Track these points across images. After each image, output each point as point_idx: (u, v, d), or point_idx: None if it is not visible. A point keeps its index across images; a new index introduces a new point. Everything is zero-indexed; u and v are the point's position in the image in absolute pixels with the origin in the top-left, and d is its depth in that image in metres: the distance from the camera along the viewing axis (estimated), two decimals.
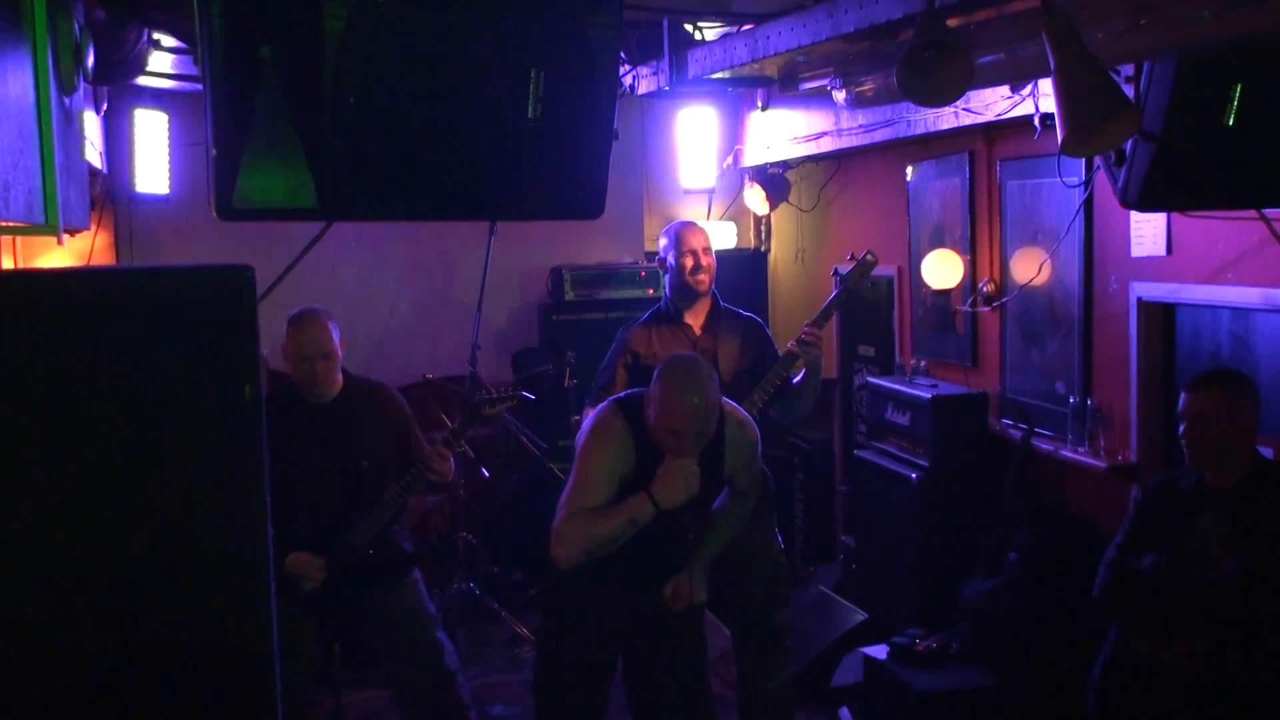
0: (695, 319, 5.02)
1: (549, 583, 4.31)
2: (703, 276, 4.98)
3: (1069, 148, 3.19)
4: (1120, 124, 3.11)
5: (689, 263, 4.96)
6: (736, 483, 4.22)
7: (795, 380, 4.86)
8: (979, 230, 6.13)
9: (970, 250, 6.15)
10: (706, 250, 5.02)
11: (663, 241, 5.10)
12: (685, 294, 5.00)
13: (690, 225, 5.15)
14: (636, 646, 4.24)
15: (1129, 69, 3.49)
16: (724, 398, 4.08)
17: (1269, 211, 3.90)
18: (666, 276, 5.11)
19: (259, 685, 2.14)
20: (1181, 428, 3.92)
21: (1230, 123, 3.33)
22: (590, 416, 4.09)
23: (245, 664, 2.12)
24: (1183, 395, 3.93)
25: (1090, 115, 3.04)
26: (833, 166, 7.66)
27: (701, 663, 4.32)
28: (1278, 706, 3.76)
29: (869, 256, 4.87)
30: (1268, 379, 4.44)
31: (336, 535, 4.61)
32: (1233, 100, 3.29)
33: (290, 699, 4.54)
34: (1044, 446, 5.50)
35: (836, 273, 4.99)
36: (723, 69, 5.26)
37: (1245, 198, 3.70)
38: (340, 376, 4.70)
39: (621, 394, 4.17)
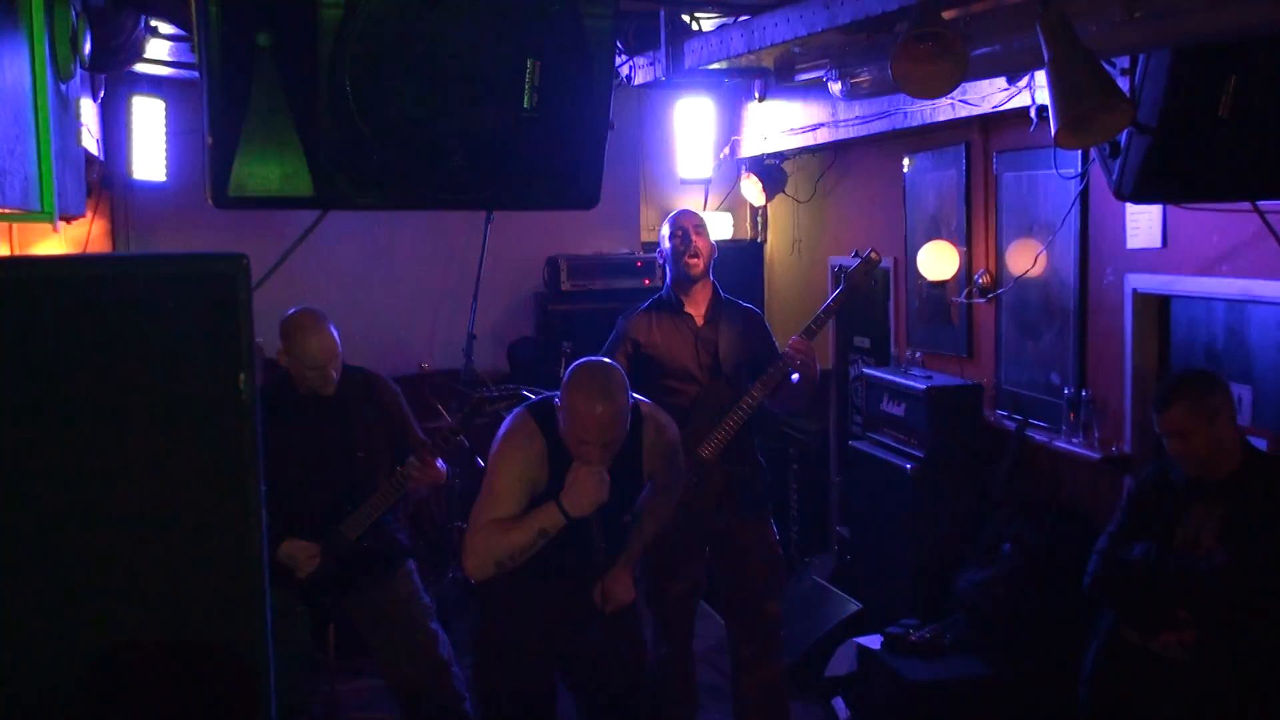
0: (697, 309, 5.02)
1: (478, 607, 4.17)
2: (694, 259, 4.95)
3: (1063, 140, 3.20)
4: (1114, 116, 3.12)
5: (679, 242, 4.97)
6: (657, 479, 4.13)
7: (795, 379, 4.85)
8: (975, 222, 6.14)
9: (966, 242, 6.15)
10: (698, 229, 5.01)
11: (662, 232, 5.12)
12: (682, 280, 5.00)
13: (683, 210, 5.18)
14: (569, 655, 4.11)
15: (1124, 61, 3.49)
16: (641, 398, 4.01)
17: (1263, 203, 3.91)
18: (665, 266, 5.12)
19: (252, 675, 2.14)
20: (1166, 444, 3.93)
21: (1225, 115, 3.33)
22: (504, 423, 3.96)
23: (239, 654, 2.13)
24: (1154, 415, 3.93)
25: (1084, 107, 3.05)
26: (829, 158, 7.66)
27: (639, 663, 4.25)
28: (1268, 696, 3.78)
29: (873, 254, 4.86)
30: (1261, 371, 4.45)
31: (331, 525, 4.61)
32: (1227, 92, 3.29)
33: (284, 688, 4.57)
34: (1038, 438, 5.52)
35: (839, 269, 4.99)
36: (719, 60, 5.26)
37: (1239, 190, 3.70)
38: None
39: (534, 399, 4.05)
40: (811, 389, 4.89)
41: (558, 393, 3.84)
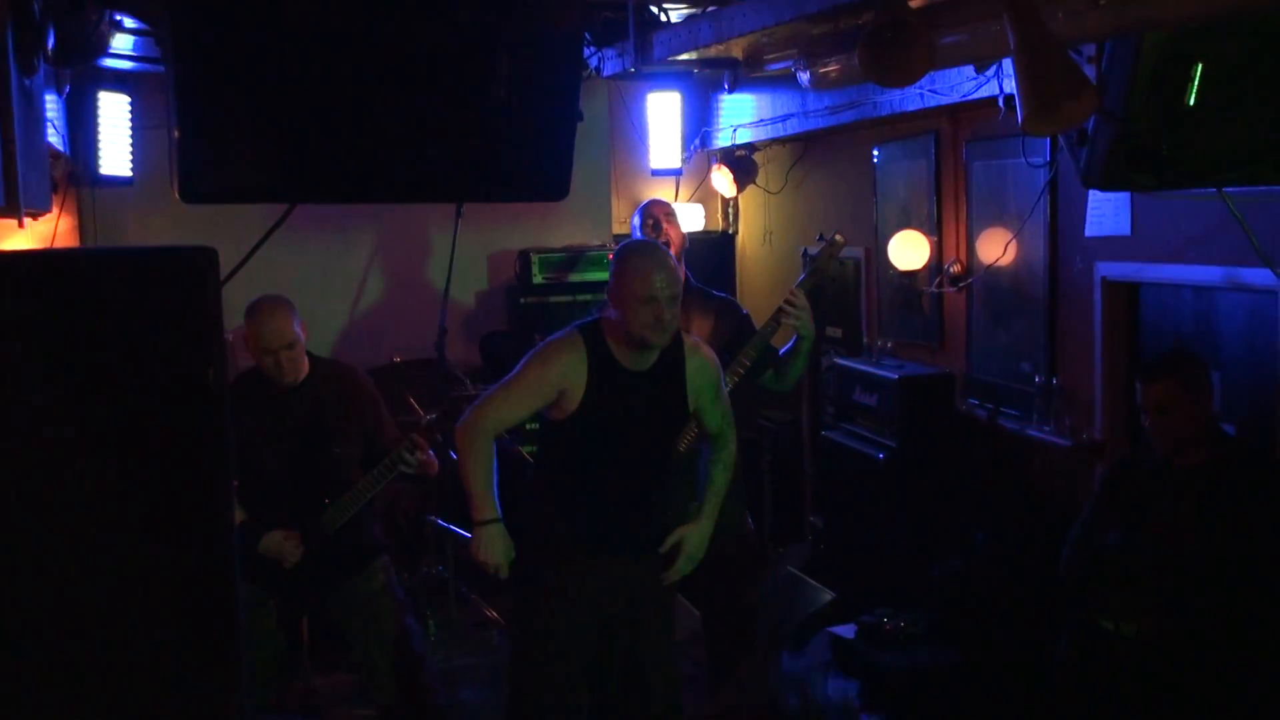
0: None
1: (520, 571, 4.25)
2: (662, 243, 4.94)
3: (1030, 127, 3.21)
4: (1080, 103, 3.13)
5: (650, 231, 4.97)
6: (706, 420, 4.20)
7: (782, 351, 4.85)
8: (945, 211, 6.15)
9: (936, 231, 6.17)
10: (668, 217, 5.01)
11: (633, 221, 5.11)
12: None
13: (653, 199, 5.20)
14: (612, 625, 4.17)
15: (1090, 49, 3.50)
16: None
17: (1230, 190, 3.93)
18: None
19: (225, 669, 2.13)
20: (1144, 420, 3.95)
21: (1191, 102, 3.35)
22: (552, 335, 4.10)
23: (211, 649, 2.12)
24: (1138, 386, 3.97)
25: (1051, 95, 3.06)
26: (799, 148, 7.67)
27: (671, 647, 4.30)
28: (1239, 681, 3.81)
29: (837, 237, 4.87)
30: (1228, 357, 4.48)
31: (306, 519, 4.60)
32: (1193, 80, 3.31)
33: (259, 684, 4.55)
34: (1010, 426, 5.54)
35: (805, 254, 4.99)
36: (688, 50, 5.26)
37: (1206, 177, 3.71)
38: (306, 361, 4.68)
39: (584, 319, 4.16)
40: (806, 354, 4.85)
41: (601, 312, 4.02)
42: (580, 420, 3.96)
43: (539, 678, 4.10)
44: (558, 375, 3.94)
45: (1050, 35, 3.09)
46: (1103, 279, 5.00)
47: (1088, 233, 4.99)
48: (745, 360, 4.76)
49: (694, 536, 4.15)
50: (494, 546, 3.95)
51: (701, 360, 4.14)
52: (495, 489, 3.98)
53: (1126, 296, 5.00)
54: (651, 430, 4.04)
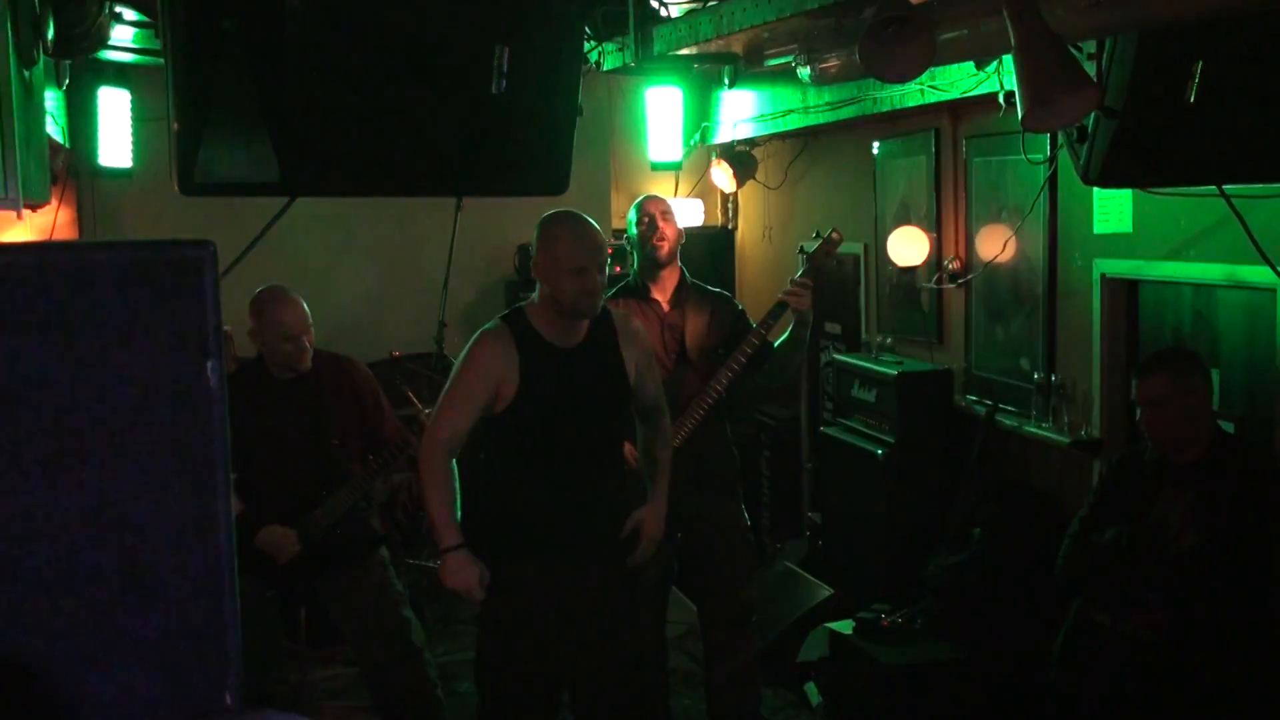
0: (662, 293, 5.00)
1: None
2: (659, 242, 4.94)
3: (1030, 123, 3.21)
4: (1080, 100, 3.13)
5: (644, 228, 4.96)
6: (644, 393, 4.15)
7: (778, 343, 4.85)
8: (944, 207, 6.15)
9: (936, 227, 6.16)
10: (664, 215, 5.00)
11: (629, 217, 5.11)
12: (648, 265, 4.99)
13: (649, 195, 5.19)
14: (587, 624, 4.07)
15: (1091, 45, 3.50)
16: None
17: (1230, 188, 3.93)
18: (632, 251, 5.12)
19: (221, 664, 2.13)
20: (1138, 414, 3.96)
21: (1192, 99, 3.35)
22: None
23: (206, 643, 2.12)
24: (1134, 381, 3.97)
25: (1051, 91, 3.06)
26: (799, 144, 7.66)
27: (657, 645, 4.26)
28: (1236, 678, 3.81)
29: (834, 234, 4.87)
30: (1228, 354, 4.49)
31: (304, 511, 4.60)
32: (1194, 77, 3.30)
33: (255, 676, 4.56)
34: (1008, 423, 5.54)
35: (802, 251, 4.99)
36: (688, 45, 5.26)
37: (1206, 174, 3.72)
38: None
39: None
40: (802, 343, 4.85)
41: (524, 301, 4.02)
42: (520, 408, 3.89)
43: (505, 684, 4.04)
44: (488, 368, 3.90)
45: (1050, 32, 3.09)
46: (1102, 276, 5.00)
47: (1096, 230, 4.99)
48: (738, 362, 4.77)
49: (651, 517, 4.09)
50: (461, 573, 3.86)
51: (633, 330, 4.13)
52: (456, 513, 3.92)
53: (1126, 293, 5.00)
54: (595, 407, 3.97)
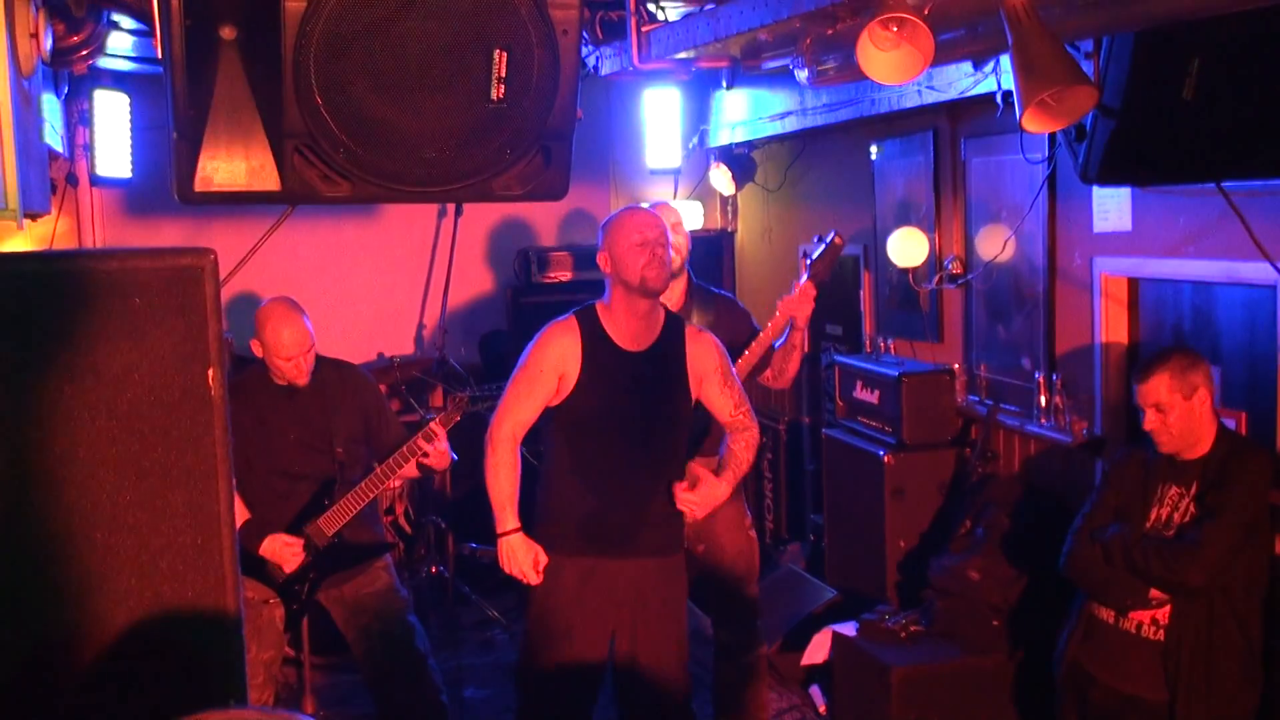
0: (669, 297, 5.00)
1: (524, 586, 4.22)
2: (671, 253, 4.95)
3: (1028, 123, 3.21)
4: (1078, 99, 3.13)
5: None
6: (716, 408, 4.18)
7: (776, 345, 4.86)
8: (944, 208, 6.15)
9: (935, 228, 6.16)
10: (675, 227, 5.00)
11: None
12: None
13: (658, 203, 5.17)
14: (622, 627, 4.14)
15: (1088, 45, 3.50)
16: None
17: (1228, 185, 3.93)
18: None
19: (226, 671, 2.13)
20: (1142, 419, 3.95)
21: (1189, 97, 3.35)
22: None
23: (211, 650, 2.12)
24: (1134, 386, 3.97)
25: (1049, 91, 3.06)
26: (798, 146, 7.66)
27: (682, 650, 4.29)
28: (1239, 674, 3.81)
29: (835, 239, 4.86)
30: (1228, 351, 4.49)
31: (308, 519, 4.60)
32: (1191, 74, 3.31)
33: (260, 681, 4.55)
34: (1010, 422, 5.54)
35: (805, 254, 4.99)
36: (686, 49, 5.25)
37: (1205, 171, 3.72)
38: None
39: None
40: (800, 346, 4.86)
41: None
42: (577, 403, 3.96)
43: (547, 680, 4.10)
44: (554, 359, 3.97)
45: (1047, 31, 3.09)
46: (1102, 274, 5.00)
47: (1095, 228, 4.99)
48: (748, 364, 4.77)
49: (713, 483, 4.04)
50: (515, 556, 3.98)
51: (705, 345, 4.15)
52: (516, 498, 4.00)
53: (1125, 292, 5.00)
54: (653, 412, 4.02)
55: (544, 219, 7.94)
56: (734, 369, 4.29)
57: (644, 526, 4.05)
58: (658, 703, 4.17)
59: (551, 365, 3.97)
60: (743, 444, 4.21)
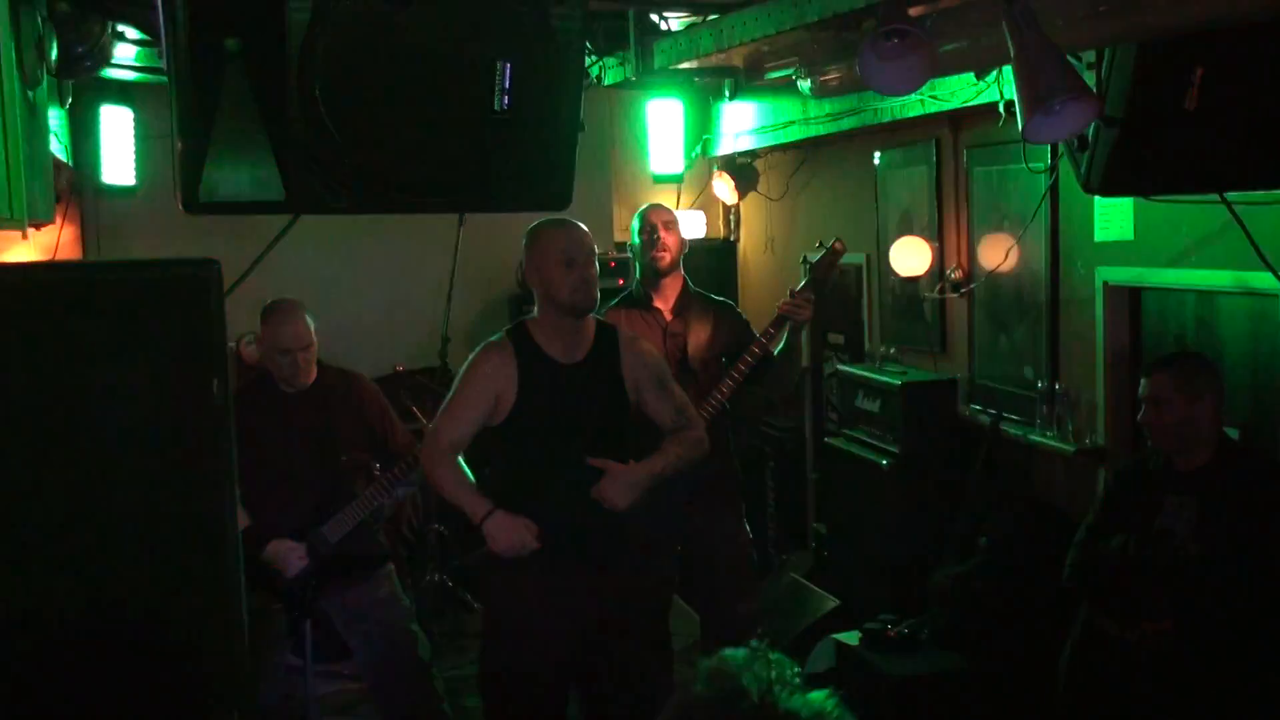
0: (665, 303, 5.02)
1: (483, 588, 4.17)
2: (660, 253, 4.96)
3: (1030, 134, 3.22)
4: (1081, 110, 3.14)
5: (646, 238, 4.98)
6: (657, 416, 4.10)
7: (776, 351, 4.86)
8: (946, 217, 6.16)
9: (938, 237, 6.17)
10: (667, 225, 5.01)
11: (632, 226, 5.12)
12: (649, 274, 5.00)
13: (652, 205, 5.19)
14: (591, 638, 4.06)
15: (1090, 55, 3.51)
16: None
17: (1232, 194, 3.93)
18: (634, 261, 5.13)
19: (230, 680, 2.14)
20: (1141, 416, 3.96)
21: (1191, 107, 3.35)
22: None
23: (216, 660, 2.12)
24: (1141, 380, 3.99)
25: (1051, 102, 3.07)
26: (800, 155, 7.67)
27: (662, 657, 4.25)
28: (1242, 685, 3.81)
29: (836, 245, 4.87)
30: (1232, 361, 4.49)
31: (312, 527, 4.60)
32: (1193, 84, 3.31)
33: (262, 692, 4.55)
34: (1013, 431, 5.54)
35: (805, 261, 5.00)
36: (689, 59, 5.26)
37: (1208, 181, 3.72)
38: (315, 366, 4.70)
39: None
40: (798, 350, 4.85)
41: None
42: (518, 420, 3.92)
43: (509, 695, 4.03)
44: (488, 378, 3.93)
45: (1050, 42, 3.10)
46: (1105, 284, 5.00)
47: (1097, 238, 5.00)
48: (723, 391, 4.76)
49: (615, 469, 3.91)
50: (503, 531, 3.86)
51: (639, 353, 4.11)
52: (475, 487, 3.95)
53: (1128, 301, 5.00)
54: (592, 424, 3.97)
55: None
56: (671, 376, 4.21)
57: (595, 536, 3.96)
58: (629, 716, 4.11)
59: (486, 385, 3.92)
60: (677, 440, 4.09)
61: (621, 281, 7.49)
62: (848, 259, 5.40)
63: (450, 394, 4.01)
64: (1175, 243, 4.59)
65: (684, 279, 5.07)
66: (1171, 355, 4.05)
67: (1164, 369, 3.92)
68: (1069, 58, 3.21)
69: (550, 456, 3.94)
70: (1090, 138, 3.52)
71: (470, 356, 4.03)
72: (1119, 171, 3.52)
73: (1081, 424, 5.18)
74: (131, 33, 5.23)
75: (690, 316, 4.99)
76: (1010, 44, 3.13)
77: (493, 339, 4.05)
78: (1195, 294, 4.67)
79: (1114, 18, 3.11)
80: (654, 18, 5.49)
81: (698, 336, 4.96)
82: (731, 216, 8.58)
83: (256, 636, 4.45)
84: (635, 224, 5.06)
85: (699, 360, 4.92)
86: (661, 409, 4.11)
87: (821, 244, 4.88)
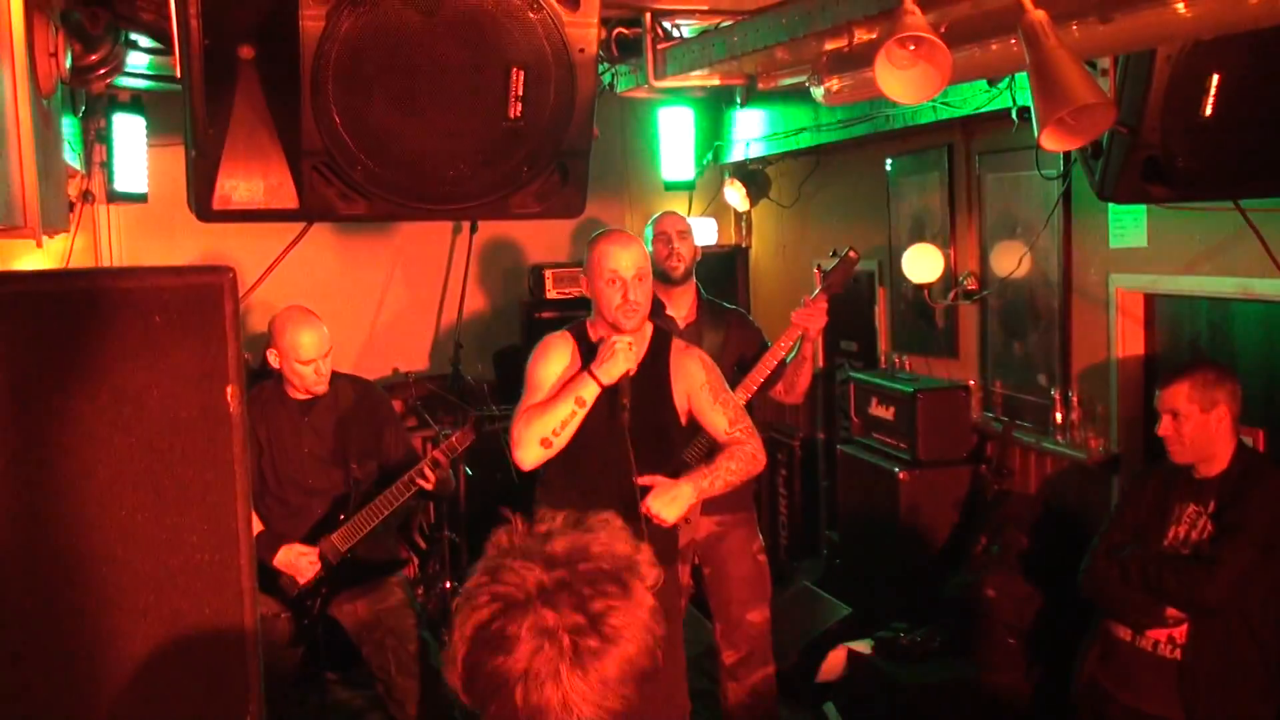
0: (677, 311, 5.02)
1: None
2: (674, 261, 4.96)
3: (1046, 142, 3.20)
4: (1096, 117, 3.12)
5: (659, 246, 4.98)
6: (709, 425, 4.12)
7: (790, 359, 4.86)
8: (959, 224, 6.15)
9: (950, 244, 6.16)
10: (681, 234, 5.02)
11: (645, 234, 5.12)
12: (662, 281, 5.00)
13: (665, 213, 5.19)
14: None
15: (1105, 62, 3.50)
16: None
17: (1246, 202, 3.92)
18: None
19: (241, 686, 2.14)
20: (1158, 427, 3.95)
21: (1207, 114, 3.35)
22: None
23: (227, 666, 2.12)
24: (1156, 391, 3.97)
25: (1067, 109, 3.06)
26: (812, 162, 7.66)
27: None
28: (1258, 693, 3.79)
29: (850, 254, 4.86)
30: (1245, 368, 4.47)
31: (323, 534, 4.61)
32: (1209, 92, 3.31)
33: (273, 698, 4.55)
34: (1026, 439, 5.52)
35: (819, 268, 4.99)
36: (701, 66, 5.25)
37: (1222, 189, 3.71)
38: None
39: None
40: (811, 359, 4.84)
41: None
42: None
43: None
44: (551, 367, 4.03)
45: (1064, 49, 3.09)
46: (1118, 290, 4.99)
47: (1111, 244, 4.99)
48: (759, 376, 4.77)
49: (664, 484, 3.95)
50: (611, 359, 3.88)
51: (692, 362, 4.13)
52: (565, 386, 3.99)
53: (1142, 308, 4.99)
54: (640, 427, 3.98)
55: (559, 235, 7.94)
56: (727, 385, 4.24)
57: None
58: None
59: (549, 372, 4.03)
60: (729, 454, 4.09)
61: None
62: (860, 265, 5.38)
63: (526, 387, 4.09)
64: (1189, 249, 4.58)
65: (696, 287, 5.06)
66: (1185, 365, 4.03)
67: (1180, 380, 3.91)
68: (1084, 65, 3.20)
69: (598, 457, 3.98)
70: (1104, 145, 3.51)
71: (535, 350, 4.15)
72: (1133, 179, 3.52)
73: (1095, 431, 5.16)
74: (145, 41, 5.24)
75: (703, 325, 4.99)
76: (1025, 52, 3.12)
77: (554, 335, 4.16)
78: (1209, 300, 4.66)
79: (1129, 25, 3.10)
80: (666, 25, 5.49)
81: (711, 345, 4.95)
82: (743, 223, 8.57)
83: (268, 641, 4.48)
84: (648, 232, 5.06)
85: None
86: (714, 420, 4.13)
87: (835, 252, 4.88)
